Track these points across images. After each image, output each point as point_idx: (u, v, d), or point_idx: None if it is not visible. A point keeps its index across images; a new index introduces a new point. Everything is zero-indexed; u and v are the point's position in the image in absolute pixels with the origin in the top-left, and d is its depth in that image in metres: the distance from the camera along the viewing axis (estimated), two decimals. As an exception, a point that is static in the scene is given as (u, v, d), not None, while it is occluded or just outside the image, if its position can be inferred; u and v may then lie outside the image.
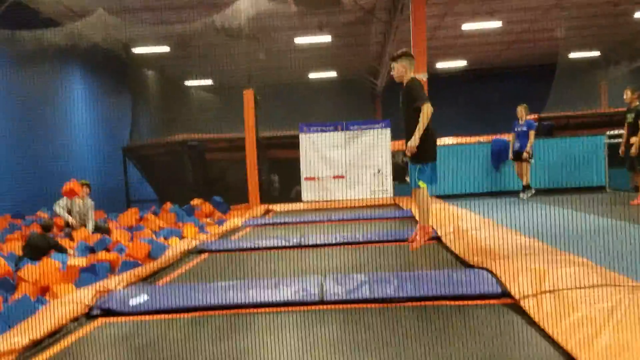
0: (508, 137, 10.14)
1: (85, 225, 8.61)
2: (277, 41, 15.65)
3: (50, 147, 12.44)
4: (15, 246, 7.74)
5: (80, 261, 5.92)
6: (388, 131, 11.55)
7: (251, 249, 5.69)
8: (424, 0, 10.15)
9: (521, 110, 9.47)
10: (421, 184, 5.09)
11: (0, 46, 11.89)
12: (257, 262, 5.07)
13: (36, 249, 6.68)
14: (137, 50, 15.69)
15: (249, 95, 11.35)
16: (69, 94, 15.02)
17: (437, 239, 5.68)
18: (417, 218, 5.71)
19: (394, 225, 7.44)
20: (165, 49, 15.67)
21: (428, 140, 5.05)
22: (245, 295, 3.66)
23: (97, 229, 8.66)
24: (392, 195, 11.51)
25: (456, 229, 5.43)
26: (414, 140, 4.93)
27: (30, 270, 5.74)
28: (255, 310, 3.48)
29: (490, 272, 3.83)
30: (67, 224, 8.72)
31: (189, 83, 19.22)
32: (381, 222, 7.79)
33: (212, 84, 19.46)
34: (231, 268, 4.90)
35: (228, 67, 15.58)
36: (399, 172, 12.98)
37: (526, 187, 9.51)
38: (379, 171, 11.72)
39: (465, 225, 5.63)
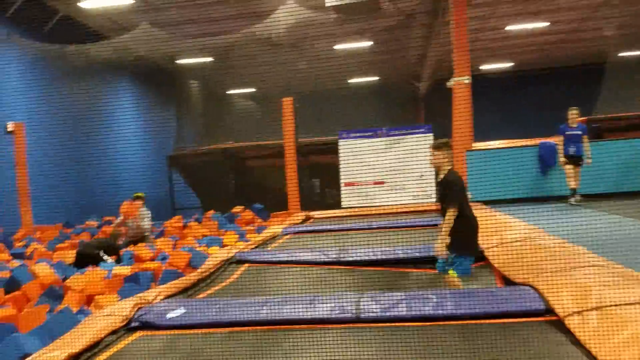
0: (556, 140, 9.79)
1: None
2: (317, 48, 15.68)
3: (99, 157, 12.84)
4: (66, 255, 8.01)
5: (124, 270, 6.05)
6: (430, 136, 11.36)
7: (288, 261, 5.67)
8: (465, 2, 9.93)
9: (574, 113, 9.15)
10: (451, 272, 4.33)
11: (51, 61, 12.37)
12: (293, 274, 5.04)
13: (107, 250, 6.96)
14: (182, 61, 16.05)
15: (287, 103, 11.44)
16: (116, 106, 15.51)
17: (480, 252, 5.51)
18: None
19: (435, 234, 7.26)
20: (208, 59, 15.96)
21: (467, 231, 4.46)
22: (280, 312, 3.64)
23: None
24: (434, 201, 11.29)
25: (500, 242, 5.25)
26: (439, 244, 4.30)
27: (77, 280, 5.91)
28: (290, 327, 3.45)
29: (534, 288, 3.67)
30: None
31: (231, 91, 19.51)
32: (423, 230, 7.62)
33: (254, 91, 19.68)
34: (267, 281, 4.90)
35: (268, 75, 15.72)
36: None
37: (574, 192, 9.22)
38: (421, 176, 11.54)
39: (510, 236, 5.45)
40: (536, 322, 3.21)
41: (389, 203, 11.34)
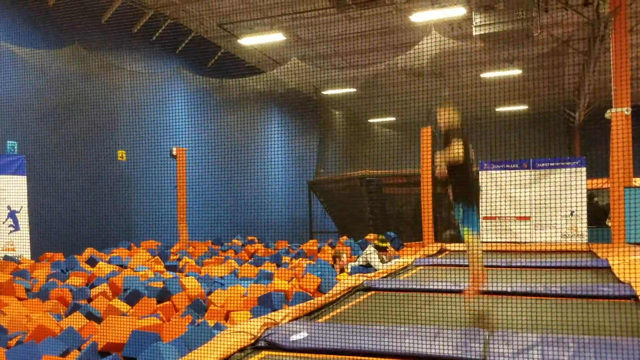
0: None
1: None
2: (462, 77, 15.39)
3: (246, 180, 13.80)
4: (212, 269, 8.65)
5: (258, 289, 6.36)
6: (583, 170, 10.44)
7: (416, 291, 5.55)
8: (626, 28, 9.10)
9: None
10: (466, 230, 4.72)
11: (211, 92, 13.68)
12: (420, 306, 4.91)
13: None
14: (326, 92, 16.77)
15: (426, 133, 11.35)
16: (264, 134, 16.62)
17: (634, 297, 4.92)
18: None
19: (583, 277, 6.65)
20: (351, 90, 16.46)
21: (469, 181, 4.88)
22: (401, 343, 3.57)
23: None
24: (586, 241, 10.34)
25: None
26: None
27: (219, 295, 6.34)
28: (409, 360, 3.37)
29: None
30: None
31: (371, 120, 19.84)
32: (569, 272, 7.01)
33: (393, 120, 19.80)
34: (393, 310, 4.83)
35: (409, 104, 15.74)
36: (596, 216, 11.65)
37: None
38: (571, 213, 10.65)
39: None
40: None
41: (535, 240, 10.60)
